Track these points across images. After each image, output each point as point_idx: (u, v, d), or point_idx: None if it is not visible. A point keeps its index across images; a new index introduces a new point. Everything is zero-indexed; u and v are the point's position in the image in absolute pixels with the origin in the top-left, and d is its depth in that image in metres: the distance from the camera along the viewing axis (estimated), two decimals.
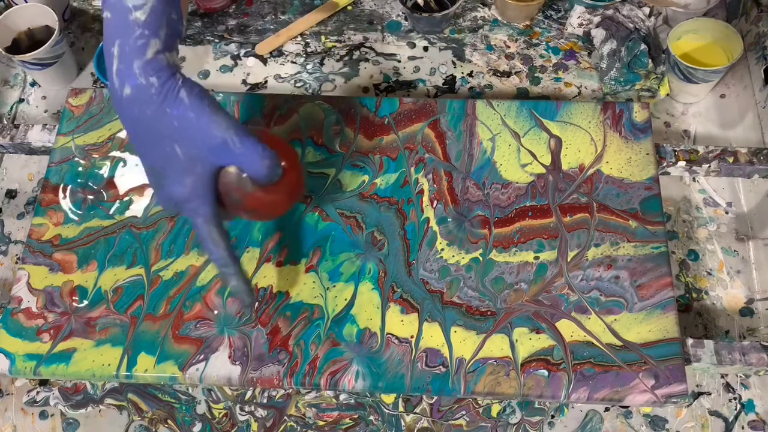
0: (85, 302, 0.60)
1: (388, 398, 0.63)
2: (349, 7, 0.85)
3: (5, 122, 0.78)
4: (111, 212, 0.65)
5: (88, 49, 0.83)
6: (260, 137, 0.49)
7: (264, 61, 0.81)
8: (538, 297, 0.59)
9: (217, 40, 0.83)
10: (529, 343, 0.58)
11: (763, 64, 0.73)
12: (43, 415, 0.64)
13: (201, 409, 0.64)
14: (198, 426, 0.63)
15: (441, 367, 0.57)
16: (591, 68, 0.79)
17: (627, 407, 0.63)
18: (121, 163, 0.67)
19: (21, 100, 0.80)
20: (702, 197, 0.72)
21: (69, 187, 0.66)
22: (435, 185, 0.65)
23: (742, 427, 0.62)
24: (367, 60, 0.80)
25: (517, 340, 0.58)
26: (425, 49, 0.81)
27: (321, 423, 0.63)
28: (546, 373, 0.56)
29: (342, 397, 0.64)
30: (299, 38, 0.83)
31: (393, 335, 0.58)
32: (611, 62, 0.76)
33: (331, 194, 0.65)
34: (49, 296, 0.61)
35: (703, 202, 0.71)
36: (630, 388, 0.56)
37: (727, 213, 0.71)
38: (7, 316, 0.60)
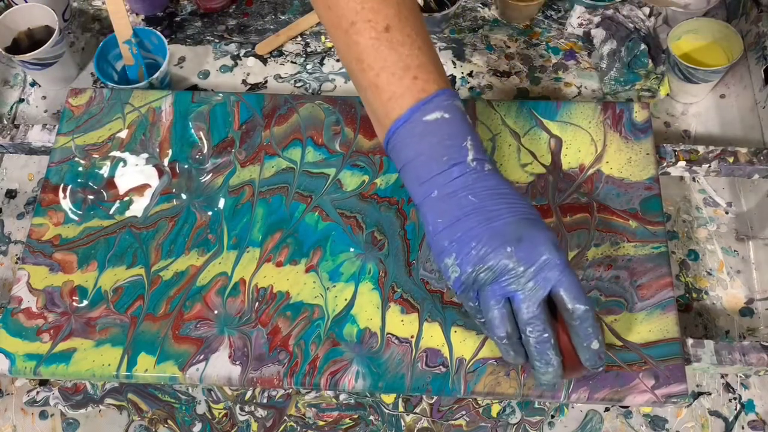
0: (85, 302, 0.60)
1: (388, 398, 0.63)
2: None
3: (5, 122, 0.78)
4: (111, 212, 0.65)
5: (88, 49, 0.83)
6: None
7: (264, 61, 0.81)
8: None
9: (217, 40, 0.83)
10: None
11: (763, 64, 0.73)
12: (43, 415, 0.64)
13: (201, 409, 0.64)
14: (198, 426, 0.63)
15: (441, 367, 0.57)
16: (591, 68, 0.79)
17: (627, 407, 0.63)
18: (121, 163, 0.67)
19: (21, 100, 0.80)
20: (702, 197, 0.72)
21: (69, 187, 0.66)
22: None
23: (742, 427, 0.62)
24: None
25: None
26: None
27: (321, 423, 0.63)
28: None
29: (342, 397, 0.64)
30: (299, 38, 0.83)
31: (393, 335, 0.58)
32: (611, 62, 0.76)
33: (331, 194, 0.65)
34: (49, 296, 0.61)
35: (703, 202, 0.71)
36: (630, 388, 0.56)
37: (727, 213, 0.71)
38: (7, 316, 0.60)
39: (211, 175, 0.66)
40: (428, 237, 0.50)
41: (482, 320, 0.51)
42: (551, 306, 0.49)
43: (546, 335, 0.47)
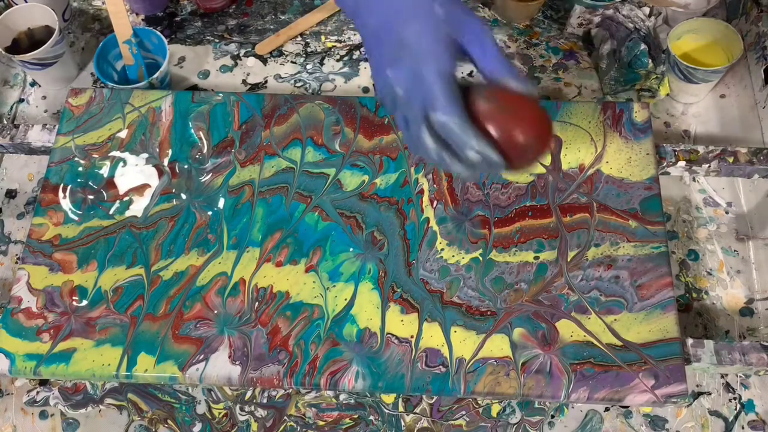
0: (85, 302, 0.60)
1: (388, 398, 0.63)
2: None
3: (5, 122, 0.78)
4: (111, 212, 0.65)
5: (88, 49, 0.83)
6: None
7: (264, 61, 0.81)
8: (538, 297, 0.59)
9: (217, 40, 0.83)
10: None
11: (763, 64, 0.73)
12: (43, 415, 0.64)
13: (201, 409, 0.64)
14: (198, 426, 0.63)
15: (441, 367, 0.57)
16: (591, 68, 0.79)
17: (627, 407, 0.63)
18: (121, 163, 0.67)
19: (21, 100, 0.80)
20: (702, 197, 0.72)
21: (69, 187, 0.66)
22: (435, 185, 0.65)
23: (742, 427, 0.62)
24: (367, 60, 0.80)
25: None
26: None
27: (321, 423, 0.63)
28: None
29: (342, 397, 0.64)
30: (299, 38, 0.83)
31: (393, 335, 0.58)
32: (611, 62, 0.76)
33: (331, 194, 0.65)
34: (49, 296, 0.61)
35: (703, 202, 0.71)
36: (630, 388, 0.56)
37: (727, 213, 0.71)
38: (7, 316, 0.60)
39: (210, 175, 0.66)
40: None
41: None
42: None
43: (436, 158, 0.46)
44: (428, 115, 0.45)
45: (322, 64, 0.81)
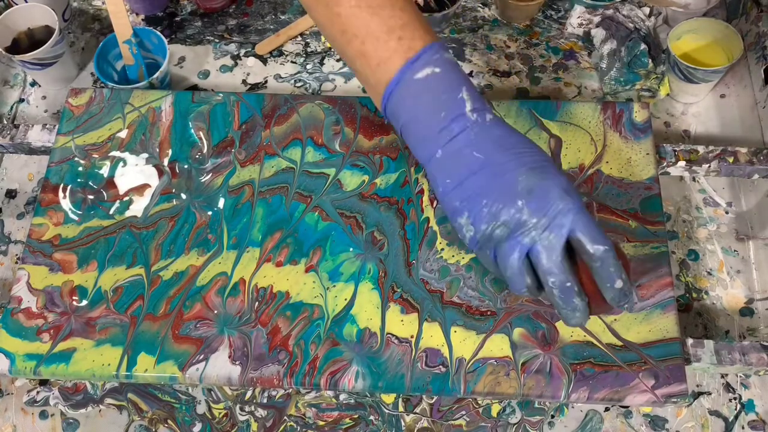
0: (85, 302, 0.60)
1: (388, 398, 0.63)
2: None
3: (5, 122, 0.78)
4: (111, 212, 0.65)
5: (88, 49, 0.83)
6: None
7: (264, 61, 0.81)
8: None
9: (217, 40, 0.83)
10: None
11: (763, 64, 0.73)
12: (43, 415, 0.64)
13: (201, 409, 0.64)
14: (198, 426, 0.63)
15: (441, 367, 0.57)
16: (591, 68, 0.79)
17: (627, 407, 0.63)
18: (121, 163, 0.67)
19: (21, 100, 0.80)
20: (702, 197, 0.72)
21: (69, 187, 0.66)
22: None
23: (742, 427, 0.62)
24: None
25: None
26: None
27: (321, 423, 0.63)
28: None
29: (342, 397, 0.64)
30: (299, 38, 0.83)
31: (393, 335, 0.58)
32: (611, 62, 0.76)
33: (331, 194, 0.65)
34: (49, 296, 0.61)
35: (703, 202, 0.71)
36: (630, 388, 0.56)
37: (727, 213, 0.71)
38: (7, 316, 0.60)
39: (211, 175, 0.66)
40: (439, 197, 0.50)
41: (503, 275, 0.50)
42: (570, 249, 0.48)
43: (568, 284, 0.46)
44: (579, 244, 0.47)
45: (322, 64, 0.81)
